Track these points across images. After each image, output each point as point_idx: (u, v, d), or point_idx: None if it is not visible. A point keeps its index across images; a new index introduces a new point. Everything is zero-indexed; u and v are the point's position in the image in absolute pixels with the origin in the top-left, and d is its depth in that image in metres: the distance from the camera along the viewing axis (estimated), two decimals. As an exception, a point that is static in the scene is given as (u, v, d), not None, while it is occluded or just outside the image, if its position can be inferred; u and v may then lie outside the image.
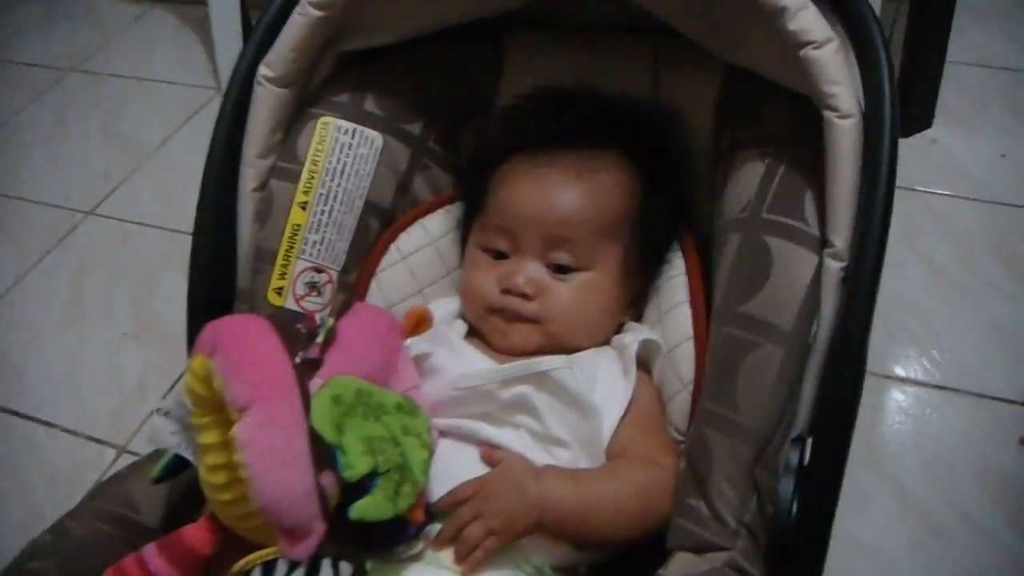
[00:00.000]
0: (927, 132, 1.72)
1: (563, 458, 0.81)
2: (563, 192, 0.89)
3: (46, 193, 1.89)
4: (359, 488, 0.68)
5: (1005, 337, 1.37)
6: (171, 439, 0.70)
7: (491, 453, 0.81)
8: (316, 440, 0.65)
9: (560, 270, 0.89)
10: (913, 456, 1.24)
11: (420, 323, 0.82)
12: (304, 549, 0.64)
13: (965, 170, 1.64)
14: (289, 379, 0.66)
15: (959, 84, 1.77)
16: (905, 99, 1.69)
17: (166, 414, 0.70)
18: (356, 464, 0.68)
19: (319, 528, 0.65)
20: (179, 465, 0.72)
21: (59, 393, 1.48)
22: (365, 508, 0.68)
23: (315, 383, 0.72)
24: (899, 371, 1.35)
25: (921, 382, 1.33)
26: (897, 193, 1.63)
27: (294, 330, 0.72)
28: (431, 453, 0.74)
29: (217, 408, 0.65)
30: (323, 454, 0.65)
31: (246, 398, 0.63)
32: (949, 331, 1.39)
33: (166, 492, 0.79)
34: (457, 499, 0.76)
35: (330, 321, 0.78)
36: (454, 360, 0.86)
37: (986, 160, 1.65)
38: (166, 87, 2.14)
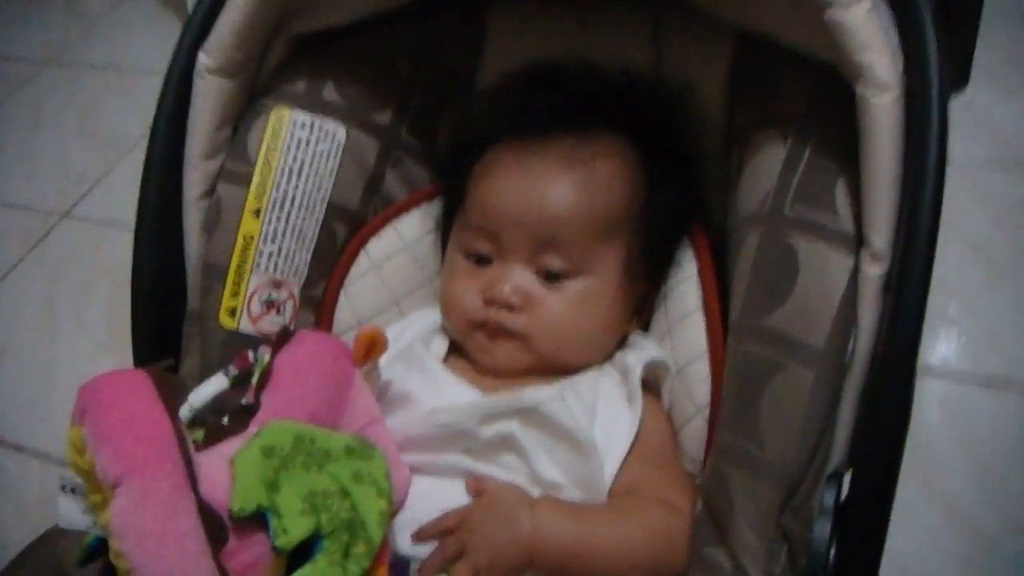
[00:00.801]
0: (962, 94, 1.57)
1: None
2: (553, 185, 0.77)
3: (19, 195, 1.80)
4: (304, 554, 0.59)
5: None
6: (82, 519, 0.59)
7: (479, 484, 0.70)
8: (207, 515, 0.54)
9: (551, 277, 0.77)
10: (960, 462, 1.13)
11: (373, 347, 0.72)
12: None
13: (1004, 135, 1.51)
14: (167, 443, 0.55)
15: (994, 42, 1.63)
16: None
17: (72, 490, 0.59)
18: (292, 528, 0.58)
19: None
20: (103, 545, 0.61)
21: (29, 414, 1.39)
22: None
23: (249, 433, 0.63)
24: (940, 364, 1.23)
25: (966, 376, 1.21)
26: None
27: (178, 383, 0.62)
28: (391, 502, 0.63)
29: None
30: (219, 527, 0.55)
31: (116, 472, 0.53)
32: (995, 316, 1.27)
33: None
34: (440, 529, 0.67)
35: (265, 357, 0.69)
36: (429, 387, 0.74)
37: (1025, 123, 1.52)
38: (145, 78, 2.03)
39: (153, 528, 0.52)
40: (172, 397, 0.58)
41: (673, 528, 0.69)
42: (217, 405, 0.70)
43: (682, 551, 0.68)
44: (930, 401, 1.19)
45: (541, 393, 0.70)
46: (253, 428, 0.63)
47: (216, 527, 0.55)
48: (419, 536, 0.67)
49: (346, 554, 0.59)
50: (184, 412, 0.68)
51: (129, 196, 1.75)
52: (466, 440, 0.71)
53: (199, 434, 0.66)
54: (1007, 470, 1.11)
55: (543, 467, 0.69)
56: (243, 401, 0.68)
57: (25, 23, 2.31)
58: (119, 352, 1.43)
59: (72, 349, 1.47)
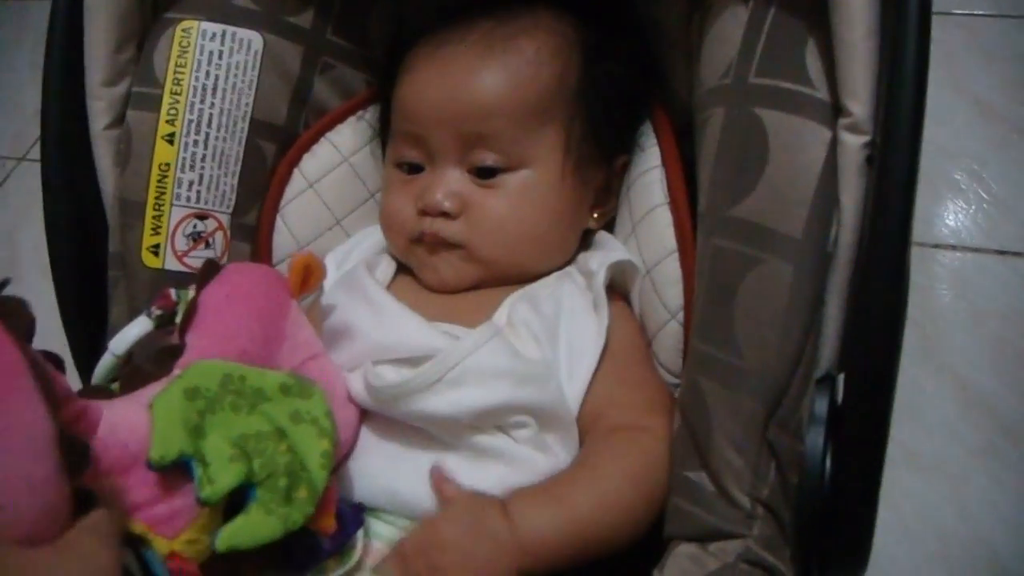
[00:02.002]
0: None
1: (522, 436, 0.62)
2: (471, 74, 0.71)
3: (-28, 139, 1.73)
4: (240, 505, 0.54)
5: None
6: None
7: (443, 482, 0.61)
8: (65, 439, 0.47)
9: (485, 174, 0.71)
10: (972, 339, 1.08)
11: (310, 275, 0.67)
12: None
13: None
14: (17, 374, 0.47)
15: None
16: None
17: None
18: (219, 476, 0.53)
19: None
20: None
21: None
22: (235, 532, 0.54)
23: (173, 376, 0.58)
24: (949, 236, 1.18)
25: (977, 247, 1.16)
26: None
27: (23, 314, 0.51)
28: (334, 443, 0.58)
29: None
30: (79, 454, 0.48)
31: None
32: (1005, 182, 1.22)
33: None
34: (404, 557, 0.58)
35: (189, 293, 0.63)
36: (373, 318, 0.67)
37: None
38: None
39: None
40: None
41: (654, 461, 0.62)
42: (145, 351, 0.64)
43: (665, 474, 0.62)
44: (940, 276, 1.14)
45: (470, 340, 0.62)
46: (177, 371, 0.57)
47: (76, 454, 0.48)
48: (379, 571, 0.59)
49: (287, 500, 0.54)
50: (106, 360, 0.65)
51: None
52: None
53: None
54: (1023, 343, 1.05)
55: (497, 403, 0.62)
56: (166, 343, 0.62)
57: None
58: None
59: (37, 298, 1.41)
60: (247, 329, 0.63)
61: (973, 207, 1.18)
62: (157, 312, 0.65)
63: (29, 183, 1.61)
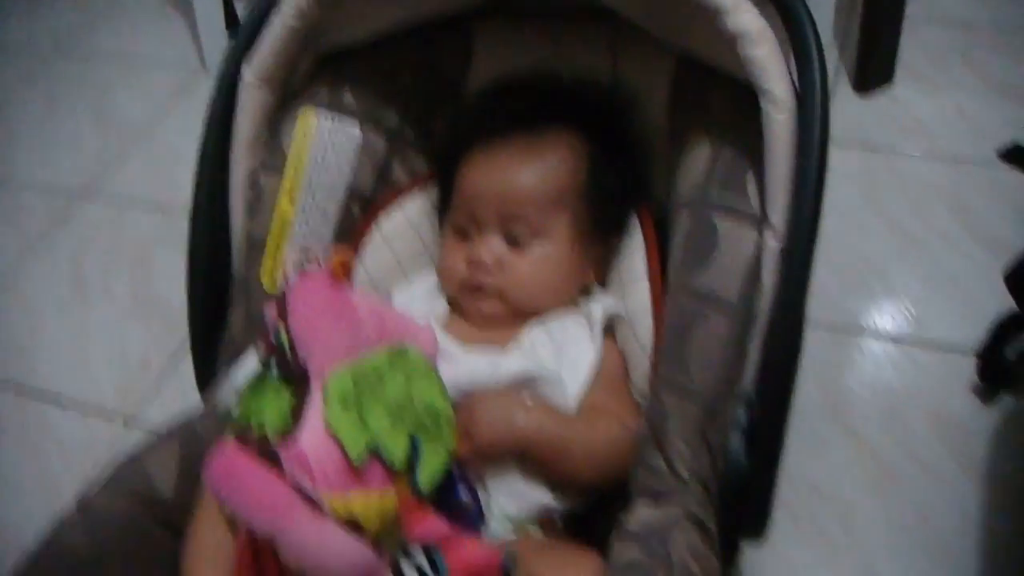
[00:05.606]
0: (887, 88, 1.78)
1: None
2: (512, 172, 0.97)
3: (40, 176, 1.95)
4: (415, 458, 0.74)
5: (959, 290, 1.44)
6: None
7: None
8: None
9: (516, 243, 0.96)
10: (871, 406, 1.32)
11: (344, 266, 0.84)
12: None
13: (925, 126, 1.71)
14: (290, 498, 0.69)
15: (919, 40, 1.83)
16: (866, 55, 1.76)
17: None
18: (395, 449, 0.72)
19: (376, 563, 0.71)
20: None
21: (66, 371, 1.56)
22: (429, 475, 0.74)
23: (315, 395, 0.74)
24: (860, 325, 1.43)
25: (880, 335, 1.41)
26: (857, 151, 1.72)
27: (266, 445, 0.73)
28: (439, 377, 0.80)
29: None
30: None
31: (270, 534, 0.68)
32: (905, 284, 1.47)
33: (178, 466, 0.87)
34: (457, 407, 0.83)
35: (282, 330, 0.79)
36: (444, 364, 0.90)
37: (944, 116, 1.72)
38: (152, 67, 2.19)
39: (322, 558, 0.69)
40: (271, 459, 0.71)
41: (623, 439, 0.87)
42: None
43: (627, 458, 0.86)
44: (851, 358, 1.38)
45: (516, 362, 0.90)
46: (316, 390, 0.74)
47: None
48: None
49: (439, 434, 0.75)
50: (228, 394, 0.83)
51: (143, 178, 1.95)
52: None
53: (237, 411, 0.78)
54: (909, 412, 1.30)
55: (521, 370, 0.89)
56: (293, 374, 0.77)
57: (32, 17, 2.44)
58: (145, 318, 1.61)
59: (102, 315, 1.63)
60: (337, 331, 0.78)
61: (882, 303, 1.43)
62: (264, 355, 0.80)
63: (91, 215, 1.83)
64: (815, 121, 0.78)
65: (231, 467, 0.70)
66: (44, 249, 1.78)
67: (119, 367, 1.54)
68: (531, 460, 0.85)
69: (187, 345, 0.97)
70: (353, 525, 0.70)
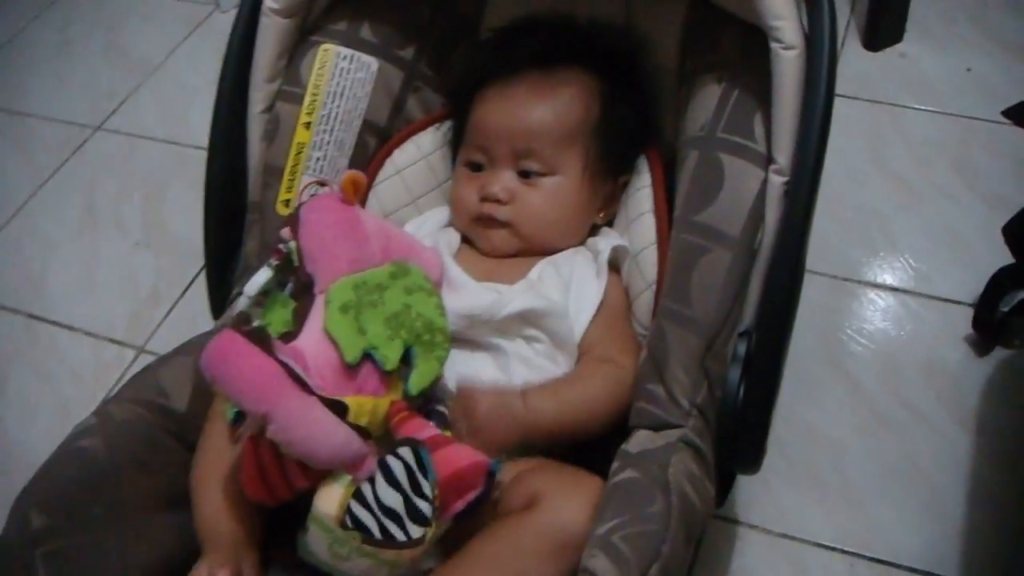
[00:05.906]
0: (897, 46, 1.78)
1: (540, 350, 0.91)
2: (526, 108, 0.99)
3: (54, 109, 1.96)
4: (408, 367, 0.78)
5: (959, 244, 1.46)
6: None
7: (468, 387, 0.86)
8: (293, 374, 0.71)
9: (529, 176, 0.99)
10: (867, 353, 1.35)
11: (356, 185, 0.86)
12: (366, 470, 0.73)
13: (931, 84, 1.71)
14: (281, 379, 0.71)
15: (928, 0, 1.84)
16: (877, 13, 1.77)
17: None
18: (389, 353, 0.75)
19: (364, 449, 0.73)
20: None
21: (78, 299, 1.58)
22: (419, 379, 0.78)
23: (318, 302, 0.79)
24: (859, 275, 1.44)
25: (879, 285, 1.43)
26: (863, 105, 1.74)
27: (261, 332, 0.75)
28: (439, 295, 0.83)
29: None
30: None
31: (262, 415, 0.70)
32: (906, 237, 1.48)
33: (192, 380, 0.90)
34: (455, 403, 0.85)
35: (292, 243, 0.83)
36: (450, 292, 0.92)
37: (952, 74, 1.73)
38: (166, 2, 2.19)
39: (307, 431, 0.71)
40: (263, 342, 0.72)
41: (620, 379, 0.90)
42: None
43: (628, 395, 0.89)
44: (850, 306, 1.41)
45: (518, 287, 0.93)
46: (319, 297, 0.78)
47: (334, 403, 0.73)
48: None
49: (433, 346, 0.78)
50: (242, 301, 0.85)
51: (156, 112, 1.95)
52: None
53: (259, 312, 0.83)
54: (903, 359, 1.33)
55: (527, 307, 0.90)
56: (299, 280, 0.82)
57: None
58: (155, 247, 1.63)
59: (113, 245, 1.66)
60: (343, 247, 0.82)
61: (881, 253, 1.45)
62: (275, 263, 0.84)
63: (104, 148, 1.84)
64: (823, 60, 0.81)
65: (225, 349, 0.71)
66: (57, 181, 1.80)
67: (130, 298, 1.56)
68: (538, 440, 0.87)
69: (197, 277, 0.98)
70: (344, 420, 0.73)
